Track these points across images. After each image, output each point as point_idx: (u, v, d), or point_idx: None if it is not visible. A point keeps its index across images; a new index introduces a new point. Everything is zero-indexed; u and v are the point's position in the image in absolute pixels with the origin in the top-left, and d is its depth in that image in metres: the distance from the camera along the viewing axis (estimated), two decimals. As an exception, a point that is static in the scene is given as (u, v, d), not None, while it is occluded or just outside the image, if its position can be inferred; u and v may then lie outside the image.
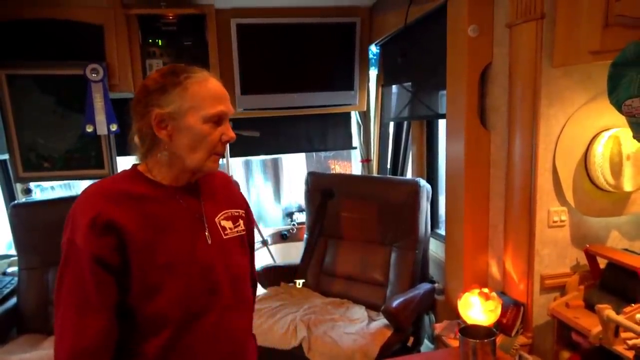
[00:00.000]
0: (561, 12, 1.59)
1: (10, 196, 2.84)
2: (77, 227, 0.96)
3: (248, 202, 1.28)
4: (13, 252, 2.58)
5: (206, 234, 1.09)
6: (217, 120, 1.03)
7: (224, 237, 1.13)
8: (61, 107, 2.54)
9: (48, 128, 2.54)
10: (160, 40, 2.70)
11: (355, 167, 3.73)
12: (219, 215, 1.14)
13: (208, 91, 1.02)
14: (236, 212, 1.19)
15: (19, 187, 2.84)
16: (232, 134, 1.06)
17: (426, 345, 2.49)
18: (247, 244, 1.22)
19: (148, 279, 1.00)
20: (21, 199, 2.83)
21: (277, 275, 2.75)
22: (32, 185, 2.92)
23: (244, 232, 1.19)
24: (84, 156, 2.60)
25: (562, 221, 1.77)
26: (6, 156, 2.59)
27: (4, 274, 2.69)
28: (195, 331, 1.05)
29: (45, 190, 3.25)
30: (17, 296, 2.42)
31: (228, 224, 1.15)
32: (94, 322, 0.95)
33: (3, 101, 2.46)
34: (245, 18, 2.79)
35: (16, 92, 2.47)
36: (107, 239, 0.96)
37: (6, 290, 2.50)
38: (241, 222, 1.19)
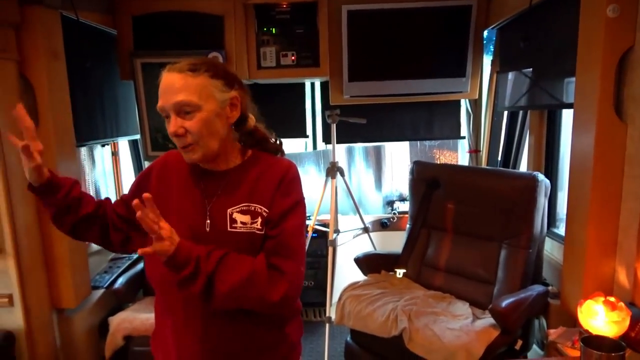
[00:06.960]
0: None
1: (139, 172, 3.17)
2: None
3: (296, 203, 1.13)
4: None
5: (207, 221, 1.11)
6: (164, 114, 1.09)
7: (229, 229, 1.10)
8: (184, 93, 2.76)
9: (173, 112, 2.78)
10: (274, 29, 2.81)
11: (461, 157, 3.58)
12: (235, 207, 1.11)
13: (160, 88, 1.09)
14: (260, 208, 1.11)
15: (146, 164, 3.15)
16: (170, 128, 1.07)
17: (534, 350, 2.34)
18: (259, 244, 1.10)
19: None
20: (149, 175, 3.14)
21: (377, 262, 2.75)
22: (158, 163, 3.22)
23: (261, 232, 1.10)
24: (203, 138, 2.81)
25: None
26: (138, 136, 2.89)
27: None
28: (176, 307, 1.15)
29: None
30: (144, 260, 2.70)
31: (243, 218, 1.10)
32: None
33: (138, 87, 2.73)
34: (356, 4, 2.78)
35: (148, 79, 2.72)
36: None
37: (135, 255, 2.81)
38: (259, 220, 1.10)
